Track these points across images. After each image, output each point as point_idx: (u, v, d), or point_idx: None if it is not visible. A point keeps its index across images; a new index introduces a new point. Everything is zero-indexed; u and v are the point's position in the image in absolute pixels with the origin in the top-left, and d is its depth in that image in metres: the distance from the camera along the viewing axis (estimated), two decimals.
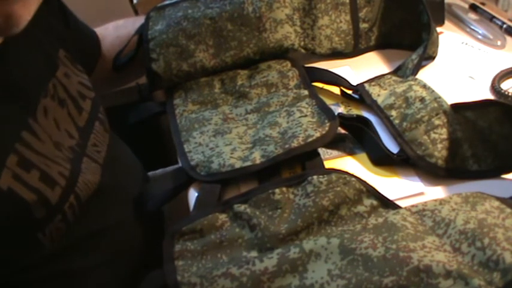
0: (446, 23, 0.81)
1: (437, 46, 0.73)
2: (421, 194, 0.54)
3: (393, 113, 0.61)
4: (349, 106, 0.67)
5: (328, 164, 0.58)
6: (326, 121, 0.59)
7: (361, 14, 0.75)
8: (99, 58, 0.76)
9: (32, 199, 0.45)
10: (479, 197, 0.47)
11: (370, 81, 0.68)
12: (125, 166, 0.67)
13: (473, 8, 0.84)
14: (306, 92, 0.66)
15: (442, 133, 0.56)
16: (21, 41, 0.52)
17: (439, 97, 0.60)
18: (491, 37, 0.76)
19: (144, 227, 0.63)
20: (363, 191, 0.51)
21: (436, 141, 0.56)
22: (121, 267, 0.58)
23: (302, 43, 0.74)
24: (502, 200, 0.46)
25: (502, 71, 0.68)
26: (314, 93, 0.65)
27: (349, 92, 0.68)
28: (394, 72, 0.71)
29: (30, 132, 0.48)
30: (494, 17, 0.80)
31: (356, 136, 0.61)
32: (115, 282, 0.57)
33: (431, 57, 0.73)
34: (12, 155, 0.45)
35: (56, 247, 0.49)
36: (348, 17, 0.74)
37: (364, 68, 0.74)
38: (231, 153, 0.58)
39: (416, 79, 0.65)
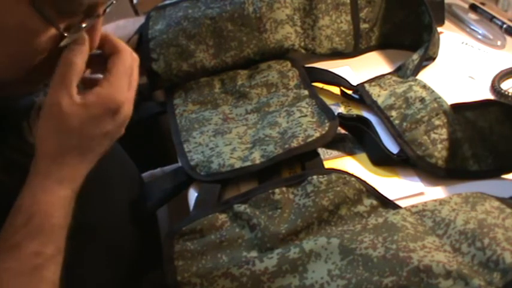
0: (446, 23, 0.81)
1: (438, 47, 0.73)
2: (421, 194, 0.54)
3: (393, 113, 0.61)
4: (349, 106, 0.67)
5: (328, 164, 0.58)
6: (326, 121, 0.59)
7: (362, 14, 0.75)
8: None
9: None
10: (479, 197, 0.47)
11: (370, 81, 0.68)
12: (113, 168, 0.66)
13: (473, 8, 0.84)
14: (306, 92, 0.66)
15: (442, 133, 0.56)
16: None
17: (439, 97, 0.60)
18: (491, 37, 0.76)
19: (136, 229, 0.63)
20: (363, 191, 0.51)
21: (436, 142, 0.56)
22: (113, 269, 0.57)
23: (302, 43, 0.73)
24: (502, 200, 0.46)
25: (502, 71, 0.68)
26: (314, 93, 0.65)
27: (349, 92, 0.68)
28: (394, 73, 0.71)
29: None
30: (494, 17, 0.80)
31: (356, 136, 0.61)
32: (106, 284, 0.57)
33: (432, 58, 0.73)
34: None
35: None
36: (349, 17, 0.74)
37: (364, 68, 0.74)
38: (231, 153, 0.58)
39: (416, 79, 0.65)
